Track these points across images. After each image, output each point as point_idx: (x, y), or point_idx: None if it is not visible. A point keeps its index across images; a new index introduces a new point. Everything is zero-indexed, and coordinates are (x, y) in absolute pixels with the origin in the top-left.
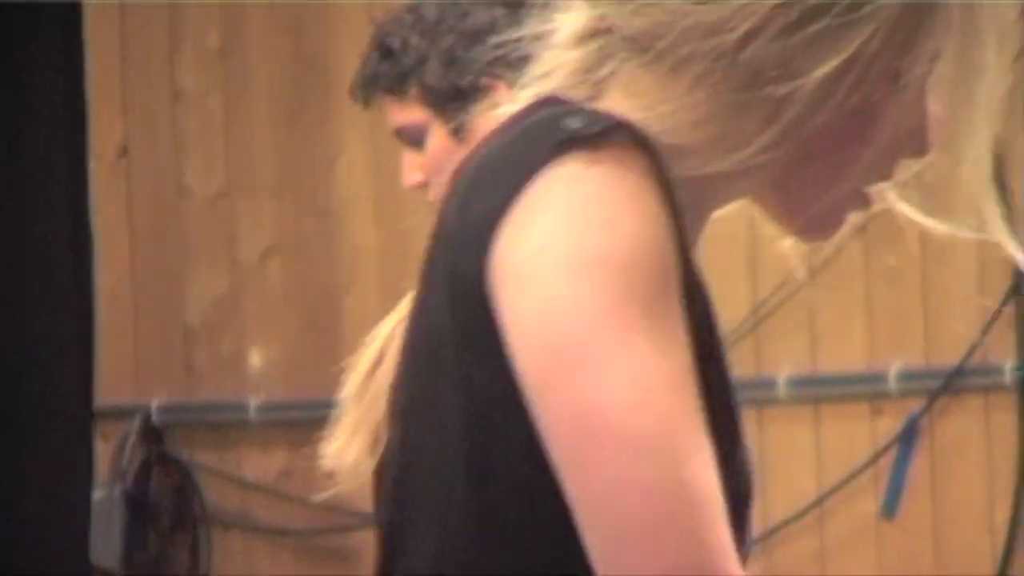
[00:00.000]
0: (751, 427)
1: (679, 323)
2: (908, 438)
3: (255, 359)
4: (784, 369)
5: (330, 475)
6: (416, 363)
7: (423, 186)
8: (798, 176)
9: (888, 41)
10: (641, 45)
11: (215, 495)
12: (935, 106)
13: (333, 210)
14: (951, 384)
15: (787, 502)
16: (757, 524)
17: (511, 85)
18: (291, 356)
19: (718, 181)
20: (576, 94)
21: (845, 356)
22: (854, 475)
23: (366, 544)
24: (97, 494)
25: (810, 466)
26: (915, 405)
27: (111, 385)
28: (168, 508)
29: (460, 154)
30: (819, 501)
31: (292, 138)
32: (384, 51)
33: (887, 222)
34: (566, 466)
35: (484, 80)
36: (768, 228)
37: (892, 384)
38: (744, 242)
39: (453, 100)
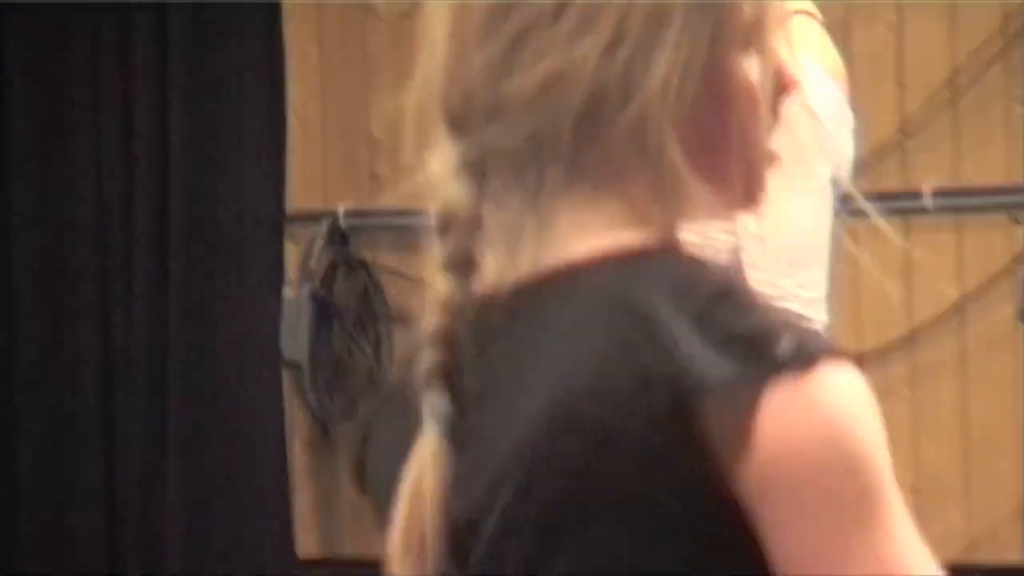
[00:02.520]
0: (897, 238)
1: None
2: None
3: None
4: (929, 182)
5: None
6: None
7: None
8: (710, 166)
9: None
10: (541, 148)
11: (396, 295)
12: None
13: None
14: None
15: (930, 307)
16: (901, 327)
17: None
18: None
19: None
20: (524, 218)
21: (987, 170)
22: (993, 281)
23: None
24: (287, 293)
25: (952, 273)
26: None
27: (301, 192)
28: (352, 307)
29: None
30: (960, 305)
31: None
32: None
33: None
34: None
35: None
36: (916, 47)
37: None
38: (892, 60)
39: None
